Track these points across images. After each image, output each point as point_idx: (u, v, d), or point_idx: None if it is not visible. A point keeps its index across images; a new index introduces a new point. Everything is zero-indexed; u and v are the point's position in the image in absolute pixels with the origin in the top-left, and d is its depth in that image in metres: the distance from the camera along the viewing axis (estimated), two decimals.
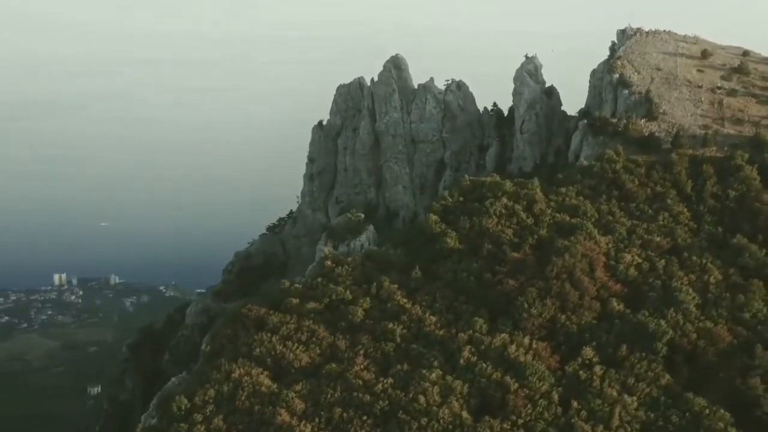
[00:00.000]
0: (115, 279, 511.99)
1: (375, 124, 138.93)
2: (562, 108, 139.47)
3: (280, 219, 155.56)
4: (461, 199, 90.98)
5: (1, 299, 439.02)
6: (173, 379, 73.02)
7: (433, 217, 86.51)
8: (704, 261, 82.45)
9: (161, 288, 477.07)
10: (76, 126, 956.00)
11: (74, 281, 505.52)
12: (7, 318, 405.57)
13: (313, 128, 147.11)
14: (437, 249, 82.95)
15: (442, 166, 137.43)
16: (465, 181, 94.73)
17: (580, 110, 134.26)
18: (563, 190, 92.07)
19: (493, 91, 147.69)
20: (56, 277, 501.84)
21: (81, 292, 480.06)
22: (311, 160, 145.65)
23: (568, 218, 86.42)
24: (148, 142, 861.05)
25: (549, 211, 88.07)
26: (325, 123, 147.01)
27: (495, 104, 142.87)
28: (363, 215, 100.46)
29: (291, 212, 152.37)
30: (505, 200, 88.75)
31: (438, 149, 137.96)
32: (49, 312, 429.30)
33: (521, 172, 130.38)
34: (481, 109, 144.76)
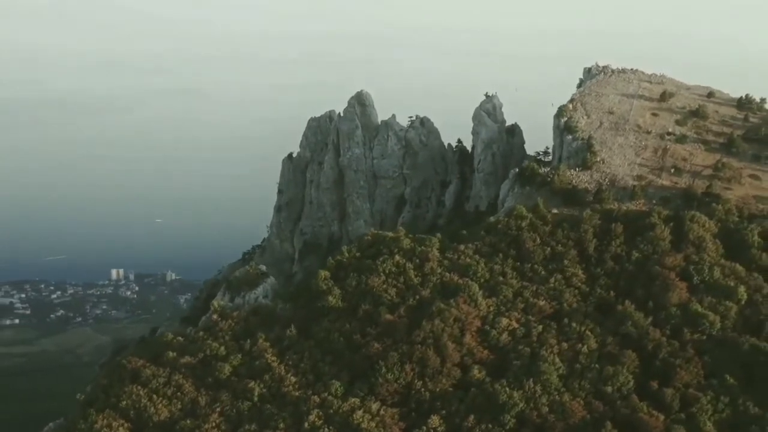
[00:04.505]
0: (171, 275, 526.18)
1: (339, 159, 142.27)
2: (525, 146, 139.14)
3: (254, 247, 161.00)
4: (358, 254, 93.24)
5: (59, 293, 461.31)
6: (50, 424, 78.79)
7: (323, 274, 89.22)
8: (583, 328, 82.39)
9: None
10: (136, 123, 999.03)
11: (131, 276, 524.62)
12: (62, 311, 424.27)
13: (283, 160, 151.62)
14: (318, 307, 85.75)
15: (402, 202, 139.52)
16: (367, 236, 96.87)
17: (553, 147, 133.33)
18: (462, 247, 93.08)
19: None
20: (114, 272, 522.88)
21: (137, 288, 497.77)
22: (280, 191, 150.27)
23: (456, 278, 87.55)
24: (206, 141, 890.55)
25: (439, 270, 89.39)
26: (295, 155, 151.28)
27: (459, 141, 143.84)
28: (264, 267, 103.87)
29: (264, 240, 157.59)
30: (398, 257, 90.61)
31: (399, 185, 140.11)
32: (104, 307, 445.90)
33: (477, 211, 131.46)
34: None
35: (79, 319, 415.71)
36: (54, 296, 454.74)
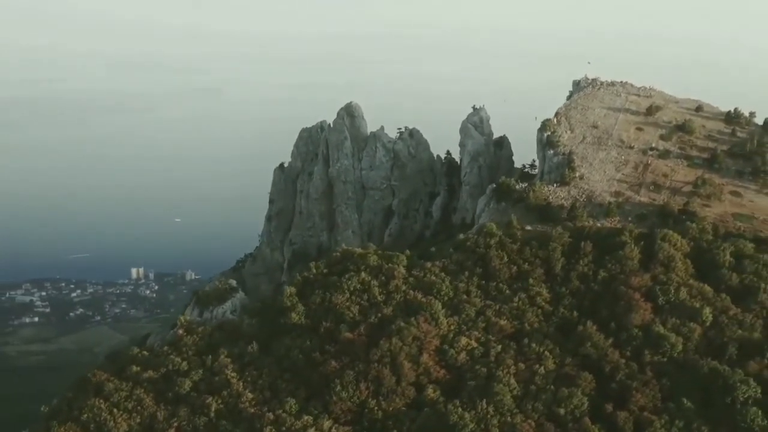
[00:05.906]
0: (191, 275, 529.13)
1: (328, 170, 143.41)
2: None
3: (246, 255, 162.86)
4: (325, 271, 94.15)
5: (79, 291, 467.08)
6: None
7: (290, 290, 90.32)
8: (542, 349, 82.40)
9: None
10: (155, 123, 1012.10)
11: (151, 275, 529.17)
12: (82, 310, 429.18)
13: (275, 170, 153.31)
14: (282, 323, 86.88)
15: (390, 213, 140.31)
16: (335, 252, 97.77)
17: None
18: (429, 265, 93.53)
19: None
20: (134, 271, 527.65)
21: (156, 287, 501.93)
22: (272, 200, 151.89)
23: (420, 296, 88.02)
24: (224, 140, 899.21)
25: (404, 288, 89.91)
26: (286, 165, 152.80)
27: (448, 152, 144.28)
28: (235, 281, 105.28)
29: (255, 249, 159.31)
30: (364, 275, 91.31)
31: (387, 196, 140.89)
32: (123, 306, 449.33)
33: (463, 224, 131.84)
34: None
35: (98, 317, 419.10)
36: (74, 294, 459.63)
